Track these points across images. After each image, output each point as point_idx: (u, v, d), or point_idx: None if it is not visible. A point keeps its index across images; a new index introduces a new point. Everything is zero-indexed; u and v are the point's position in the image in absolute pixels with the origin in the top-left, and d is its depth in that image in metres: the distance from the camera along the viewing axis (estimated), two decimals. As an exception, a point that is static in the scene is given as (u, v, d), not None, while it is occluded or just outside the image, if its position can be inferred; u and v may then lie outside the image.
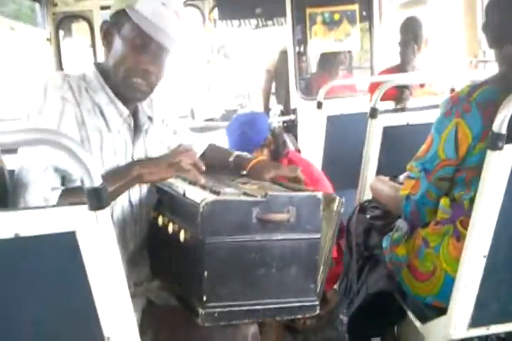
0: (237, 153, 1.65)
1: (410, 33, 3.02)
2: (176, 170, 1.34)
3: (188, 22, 1.40)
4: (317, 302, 1.29)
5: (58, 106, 1.28)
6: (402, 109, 2.34)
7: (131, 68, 1.32)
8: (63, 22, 3.72)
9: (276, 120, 3.57)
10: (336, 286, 2.06)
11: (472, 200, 1.37)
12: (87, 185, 0.92)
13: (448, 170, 1.42)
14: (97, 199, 0.93)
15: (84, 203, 0.93)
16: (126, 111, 1.40)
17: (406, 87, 2.63)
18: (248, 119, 2.30)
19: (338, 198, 1.39)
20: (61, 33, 3.77)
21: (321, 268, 1.30)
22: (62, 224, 0.93)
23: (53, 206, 0.95)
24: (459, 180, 1.42)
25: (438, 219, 1.47)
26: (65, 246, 0.94)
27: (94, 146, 1.35)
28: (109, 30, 1.36)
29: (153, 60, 1.33)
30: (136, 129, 1.45)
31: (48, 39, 3.58)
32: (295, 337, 2.27)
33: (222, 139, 2.37)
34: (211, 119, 4.17)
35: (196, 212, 1.17)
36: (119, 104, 1.38)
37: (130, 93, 1.36)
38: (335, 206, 1.38)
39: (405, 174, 1.61)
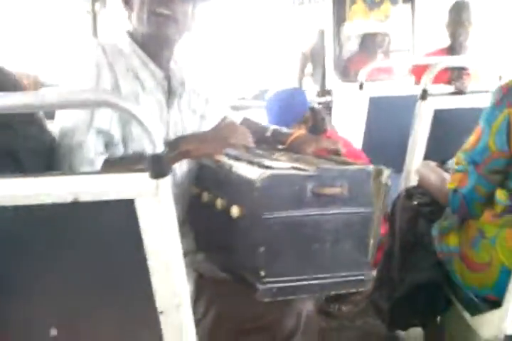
0: (273, 127, 1.62)
1: (463, 14, 2.95)
2: (224, 146, 1.32)
3: None
4: (370, 276, 1.29)
5: (93, 71, 1.27)
6: (461, 92, 2.25)
7: (151, 2, 1.30)
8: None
9: (312, 101, 3.50)
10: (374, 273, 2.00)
11: None
12: (149, 150, 0.87)
13: (500, 162, 1.35)
14: (159, 166, 0.88)
15: (144, 170, 0.88)
16: (160, 73, 1.39)
17: (463, 68, 2.54)
18: (288, 94, 2.26)
19: (386, 170, 1.36)
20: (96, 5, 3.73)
21: (371, 241, 1.29)
22: (122, 191, 0.88)
23: (112, 172, 0.89)
24: None
25: (495, 211, 1.39)
26: (123, 214, 0.90)
27: None
28: None
29: (175, 3, 1.32)
30: (171, 93, 1.43)
31: (87, 11, 3.54)
32: (330, 322, 2.22)
33: (255, 118, 2.33)
34: (243, 98, 4.11)
35: (251, 187, 1.14)
36: (153, 66, 1.38)
37: (157, 30, 1.32)
38: (383, 178, 1.35)
39: (454, 160, 1.53)
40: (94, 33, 3.52)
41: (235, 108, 3.91)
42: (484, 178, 1.37)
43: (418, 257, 1.65)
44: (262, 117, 2.32)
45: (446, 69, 2.40)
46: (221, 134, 1.36)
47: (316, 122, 2.26)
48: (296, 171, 1.21)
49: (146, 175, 0.88)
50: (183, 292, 0.96)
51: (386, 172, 1.35)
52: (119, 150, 1.31)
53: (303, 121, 2.22)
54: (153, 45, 1.37)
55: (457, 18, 3.01)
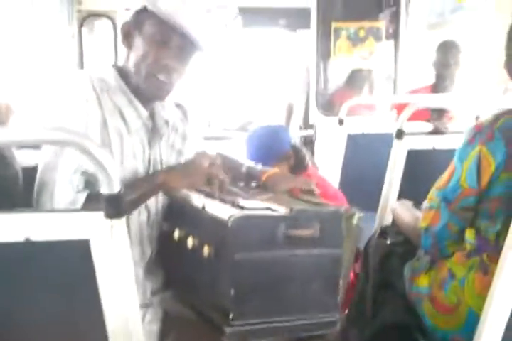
0: (248, 163, 1.62)
1: (449, 55, 2.99)
2: (202, 175, 1.32)
3: (214, 20, 1.38)
4: (338, 318, 1.27)
5: (83, 107, 1.26)
6: (440, 132, 2.27)
7: (152, 64, 1.30)
8: (87, 20, 3.71)
9: (295, 135, 3.52)
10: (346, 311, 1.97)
11: (498, 234, 1.31)
12: (105, 190, 0.86)
13: (470, 200, 1.35)
14: (115, 206, 0.88)
15: (100, 209, 0.87)
16: (145, 113, 1.38)
17: (444, 110, 2.58)
18: (270, 131, 2.23)
19: (357, 212, 1.37)
20: (84, 30, 3.76)
21: (341, 283, 1.28)
22: (76, 230, 0.87)
23: (66, 211, 0.88)
24: (483, 211, 1.35)
25: (465, 251, 1.39)
26: (78, 254, 0.89)
27: (115, 149, 1.32)
28: (129, 31, 1.34)
29: (175, 55, 1.31)
30: (154, 132, 1.42)
31: (72, 36, 3.57)
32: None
33: (237, 149, 2.32)
34: (227, 129, 4.14)
35: (223, 227, 1.13)
36: (139, 106, 1.36)
37: (152, 91, 1.34)
38: (355, 220, 1.36)
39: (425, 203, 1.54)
40: (80, 59, 3.55)
41: (218, 138, 3.94)
42: (456, 216, 1.38)
43: (390, 297, 1.64)
44: (243, 148, 2.32)
45: (427, 109, 2.43)
46: (198, 163, 1.36)
47: (298, 160, 2.23)
48: (269, 212, 1.21)
49: (101, 214, 0.87)
50: (137, 332, 0.94)
51: (358, 214, 1.37)
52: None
53: (285, 159, 2.18)
54: (145, 91, 1.35)
55: (443, 60, 3.03)
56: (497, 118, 1.34)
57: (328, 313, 1.26)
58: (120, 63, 1.40)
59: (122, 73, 1.36)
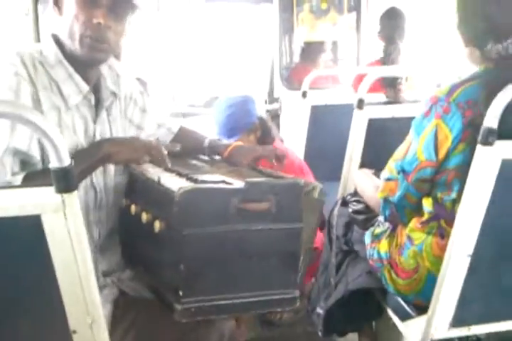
0: (210, 137, 1.59)
1: (392, 24, 2.98)
2: (147, 151, 1.27)
3: None
4: (297, 295, 1.23)
5: (12, 83, 1.19)
6: (394, 102, 2.29)
7: (83, 24, 1.23)
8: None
9: (261, 108, 3.51)
10: (313, 279, 2.01)
11: (454, 201, 1.34)
12: (54, 164, 0.85)
13: (427, 171, 1.37)
14: (65, 180, 0.86)
15: (50, 185, 0.86)
16: (86, 87, 1.31)
17: (395, 79, 2.58)
18: (238, 101, 2.19)
19: (318, 185, 1.35)
20: (40, 7, 3.63)
21: (301, 258, 1.24)
22: (27, 206, 0.85)
23: (16, 187, 0.87)
24: (441, 181, 1.38)
25: (422, 219, 1.42)
26: (30, 230, 0.87)
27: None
28: None
29: (107, 13, 1.24)
30: (98, 105, 1.37)
31: (26, 14, 3.44)
32: (271, 331, 2.22)
33: (204, 125, 2.30)
34: (193, 105, 4.09)
35: (172, 200, 1.09)
36: (79, 79, 1.29)
37: (89, 54, 1.26)
38: (316, 194, 1.34)
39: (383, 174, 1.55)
40: (37, 37, 3.43)
41: (184, 115, 3.88)
42: (413, 187, 1.40)
43: (352, 264, 1.67)
44: (210, 125, 2.30)
45: (380, 82, 2.44)
46: (139, 138, 1.32)
47: (265, 131, 2.23)
48: (222, 185, 1.16)
49: (51, 189, 0.86)
50: (96, 310, 0.94)
51: (319, 186, 1.34)
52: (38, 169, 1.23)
53: (252, 130, 2.18)
54: (82, 60, 1.29)
55: (385, 28, 2.99)
56: (452, 89, 1.33)
57: (286, 289, 1.21)
58: (55, 32, 1.31)
59: (59, 42, 1.29)
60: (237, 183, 1.17)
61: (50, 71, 1.27)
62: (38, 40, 3.44)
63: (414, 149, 1.38)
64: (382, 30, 3.06)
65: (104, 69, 1.39)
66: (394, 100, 2.32)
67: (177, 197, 1.08)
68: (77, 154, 1.24)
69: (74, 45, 1.25)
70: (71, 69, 1.29)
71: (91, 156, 1.24)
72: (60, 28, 1.28)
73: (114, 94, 1.41)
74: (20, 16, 3.42)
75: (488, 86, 1.26)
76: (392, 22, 3.02)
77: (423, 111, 1.38)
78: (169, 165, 1.30)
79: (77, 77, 1.29)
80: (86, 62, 1.29)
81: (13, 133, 1.17)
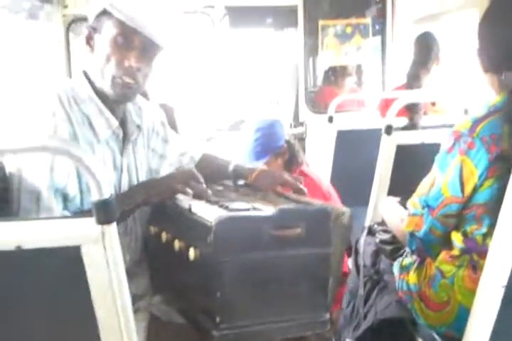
0: (235, 162, 1.60)
1: (424, 48, 2.98)
2: (185, 181, 1.31)
3: (173, 17, 1.36)
4: (327, 318, 1.25)
5: (51, 124, 1.24)
6: (415, 127, 2.29)
7: (116, 66, 1.28)
8: (74, 24, 3.69)
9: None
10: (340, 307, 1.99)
11: (485, 236, 1.32)
12: (95, 196, 0.87)
13: (453, 207, 1.35)
14: (105, 212, 0.88)
15: (91, 215, 0.88)
16: (115, 122, 1.36)
17: (417, 104, 2.58)
18: (266, 124, 2.19)
19: (347, 211, 1.37)
20: (71, 35, 3.74)
21: (330, 282, 1.27)
22: (67, 237, 0.88)
23: (58, 218, 0.89)
24: (469, 216, 1.36)
25: (452, 253, 1.41)
26: (69, 260, 0.89)
27: None
28: (90, 35, 1.33)
29: (138, 56, 1.29)
30: (125, 139, 1.41)
31: (59, 41, 3.55)
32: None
33: (229, 149, 2.31)
34: (219, 129, 4.13)
35: (207, 229, 1.12)
36: (109, 115, 1.35)
37: (119, 94, 1.31)
38: (345, 219, 1.36)
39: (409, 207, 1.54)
40: (68, 64, 3.53)
41: (210, 139, 3.91)
42: (438, 222, 1.38)
43: (380, 293, 1.65)
44: (236, 148, 2.31)
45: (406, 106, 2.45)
46: (175, 177, 1.36)
47: (292, 155, 2.23)
48: (254, 212, 1.19)
49: (92, 220, 0.88)
50: (132, 339, 0.95)
51: (347, 212, 1.36)
52: (76, 205, 1.26)
53: (280, 154, 2.18)
54: (112, 98, 1.33)
55: (416, 53, 2.99)
56: (475, 124, 1.31)
57: (317, 313, 1.24)
58: (87, 69, 1.37)
59: (90, 79, 1.34)
60: (268, 210, 1.19)
61: (82, 106, 1.32)
62: (70, 67, 3.55)
63: (439, 185, 1.37)
64: (414, 54, 3.05)
65: (128, 103, 1.44)
66: (411, 125, 2.31)
67: (213, 226, 1.11)
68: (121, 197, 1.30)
69: (105, 85, 1.31)
70: (101, 105, 1.34)
71: (131, 201, 1.31)
72: (92, 65, 1.33)
73: (138, 127, 1.46)
74: (53, 44, 3.52)
75: (509, 118, 1.25)
76: (423, 47, 3.02)
77: (446, 147, 1.37)
78: (210, 197, 1.32)
79: (107, 113, 1.34)
80: (116, 99, 1.34)
81: (52, 172, 1.21)
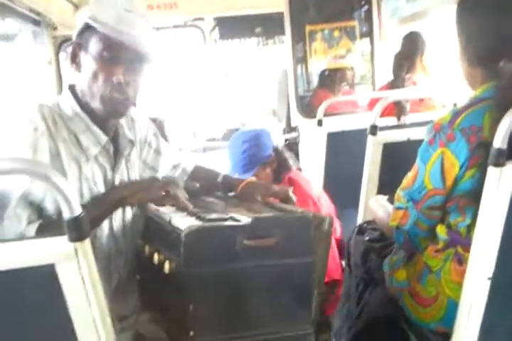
0: (224, 174, 1.61)
1: (409, 42, 3.01)
2: (162, 189, 1.29)
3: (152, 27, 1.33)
4: (311, 331, 1.21)
5: (30, 140, 1.22)
6: (401, 125, 2.30)
7: (103, 83, 1.25)
8: (64, 44, 3.74)
9: (279, 138, 3.55)
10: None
11: (469, 227, 1.33)
12: (66, 214, 0.88)
13: (436, 199, 1.36)
14: (77, 229, 0.89)
15: (63, 234, 0.89)
16: (104, 138, 1.33)
17: (401, 102, 2.60)
18: (252, 135, 2.20)
19: (327, 218, 1.33)
20: (62, 55, 3.79)
21: (314, 293, 1.23)
22: (41, 256, 0.89)
23: (30, 238, 0.91)
24: (452, 208, 1.37)
25: (438, 247, 1.41)
26: (44, 279, 0.90)
27: (72, 177, 1.28)
28: (75, 51, 1.30)
29: (126, 69, 1.27)
30: (117, 154, 1.39)
31: (49, 62, 3.59)
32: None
33: (224, 159, 2.33)
34: (213, 139, 4.15)
35: (179, 241, 1.10)
36: (97, 131, 1.32)
37: (109, 111, 1.29)
38: (325, 226, 1.32)
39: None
40: (59, 85, 3.58)
41: (204, 149, 3.93)
42: (423, 214, 1.39)
43: (372, 292, 1.65)
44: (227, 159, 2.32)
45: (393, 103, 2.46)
46: (159, 181, 1.35)
47: (280, 163, 2.24)
48: (227, 222, 1.16)
49: (64, 239, 0.89)
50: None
51: (327, 220, 1.32)
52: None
53: (268, 163, 2.19)
54: (102, 114, 1.31)
55: (405, 51, 3.04)
56: (455, 116, 1.32)
57: (299, 326, 1.20)
58: (75, 85, 1.34)
59: (76, 96, 1.31)
60: (245, 220, 1.16)
61: (69, 123, 1.30)
62: (61, 87, 3.59)
63: (421, 177, 1.38)
64: (400, 47, 3.09)
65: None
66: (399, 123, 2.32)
67: (183, 237, 1.08)
68: (92, 200, 1.28)
69: (95, 103, 1.28)
70: (88, 121, 1.31)
71: (105, 201, 1.28)
72: (79, 83, 1.31)
73: (131, 142, 1.44)
74: (43, 66, 3.56)
75: (500, 105, 1.24)
76: (408, 40, 3.08)
77: (427, 139, 1.37)
78: (191, 207, 1.30)
79: (95, 129, 1.32)
80: (108, 117, 1.33)
81: (32, 184, 1.20)
